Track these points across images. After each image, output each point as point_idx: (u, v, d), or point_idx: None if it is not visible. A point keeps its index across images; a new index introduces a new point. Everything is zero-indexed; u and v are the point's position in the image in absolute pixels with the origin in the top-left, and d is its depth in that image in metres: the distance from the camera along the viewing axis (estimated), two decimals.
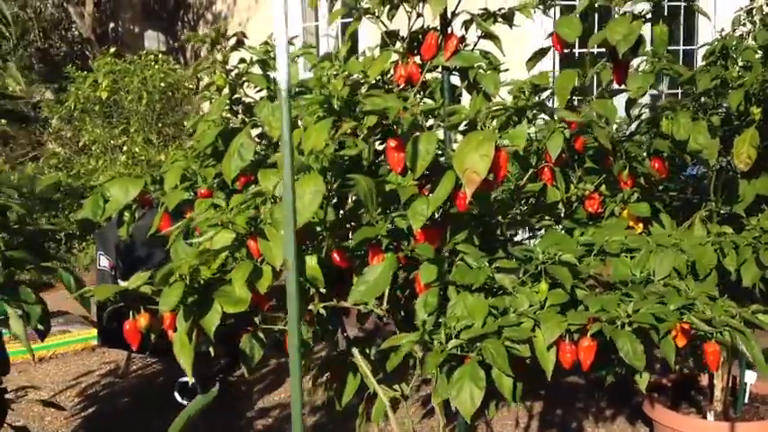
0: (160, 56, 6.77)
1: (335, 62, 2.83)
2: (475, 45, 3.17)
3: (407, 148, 2.22)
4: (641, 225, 3.87)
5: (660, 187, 3.80)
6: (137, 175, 2.45)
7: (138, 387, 6.22)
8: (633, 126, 3.78)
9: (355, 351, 2.98)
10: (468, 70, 2.92)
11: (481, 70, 2.92)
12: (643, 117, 3.72)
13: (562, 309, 2.47)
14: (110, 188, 2.87)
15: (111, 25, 10.17)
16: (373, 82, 2.87)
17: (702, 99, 3.73)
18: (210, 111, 2.72)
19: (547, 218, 3.00)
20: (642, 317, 2.36)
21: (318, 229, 2.43)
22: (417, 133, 2.31)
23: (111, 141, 6.98)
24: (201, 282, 2.38)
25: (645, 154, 3.49)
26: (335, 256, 2.44)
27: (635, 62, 3.26)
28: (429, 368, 2.25)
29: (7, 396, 3.73)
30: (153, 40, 10.90)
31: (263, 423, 5.46)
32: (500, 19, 3.11)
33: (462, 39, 3.14)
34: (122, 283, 2.32)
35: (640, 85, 3.63)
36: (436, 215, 2.61)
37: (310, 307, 2.65)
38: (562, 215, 3.21)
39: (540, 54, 2.99)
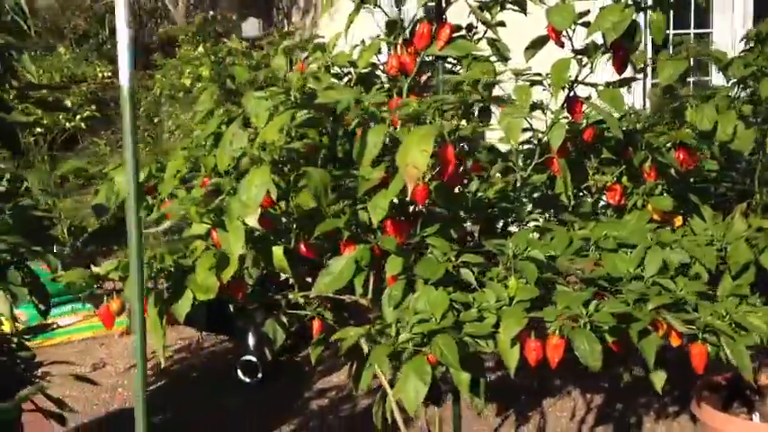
0: (233, 45, 6.91)
1: (325, 54, 2.87)
2: (484, 33, 3.14)
3: (357, 140, 2.22)
4: (680, 219, 3.74)
5: (695, 179, 3.64)
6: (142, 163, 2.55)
7: (208, 363, 6.45)
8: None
9: (362, 341, 3.01)
10: (462, 60, 2.89)
11: (474, 60, 2.88)
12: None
13: (532, 305, 2.42)
14: (115, 176, 3.00)
15: (212, 13, 10.45)
16: (366, 72, 2.89)
17: (739, 87, 3.55)
18: (201, 101, 2.79)
19: (537, 211, 2.92)
20: (602, 316, 2.28)
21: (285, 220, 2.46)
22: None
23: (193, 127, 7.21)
24: (175, 269, 2.46)
25: (669, 145, 3.35)
26: (302, 247, 2.47)
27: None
28: (371, 360, 2.26)
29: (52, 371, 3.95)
30: (251, 27, 11.13)
31: (318, 403, 5.56)
32: (510, 5, 3.06)
33: (470, 27, 3.11)
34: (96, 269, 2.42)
35: (672, 72, 3.49)
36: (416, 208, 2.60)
37: (290, 296, 2.70)
38: (570, 208, 3.13)
39: (540, 43, 2.92)
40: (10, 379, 3.49)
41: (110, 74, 7.59)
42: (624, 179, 3.40)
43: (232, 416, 5.45)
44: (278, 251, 2.48)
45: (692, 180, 3.58)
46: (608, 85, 3.05)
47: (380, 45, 2.87)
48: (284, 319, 3.66)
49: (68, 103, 7.41)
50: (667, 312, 2.45)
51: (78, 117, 7.48)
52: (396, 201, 2.45)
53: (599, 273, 2.64)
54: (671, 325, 2.43)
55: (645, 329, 2.47)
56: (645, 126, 3.40)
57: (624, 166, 3.32)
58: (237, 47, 2.53)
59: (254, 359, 5.87)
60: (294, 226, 2.46)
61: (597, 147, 3.30)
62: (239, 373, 5.94)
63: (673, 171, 3.47)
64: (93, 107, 7.66)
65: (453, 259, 2.43)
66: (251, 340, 5.93)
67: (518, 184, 3.03)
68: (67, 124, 7.35)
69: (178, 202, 2.38)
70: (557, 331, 2.31)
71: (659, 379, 3.01)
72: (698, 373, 2.57)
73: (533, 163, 3.08)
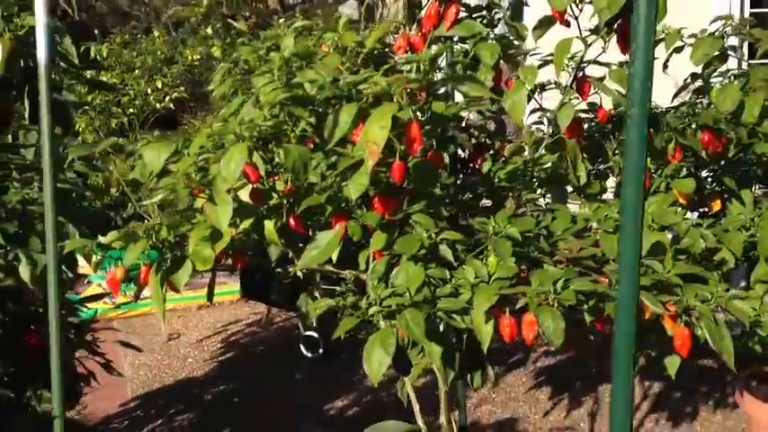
0: (240, 27, 7.03)
1: (335, 34, 2.95)
2: (503, 16, 3.16)
3: (328, 119, 2.31)
4: (718, 202, 3.67)
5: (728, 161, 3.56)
6: (169, 139, 2.71)
7: (276, 338, 6.67)
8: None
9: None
10: (469, 40, 2.92)
11: (482, 40, 2.91)
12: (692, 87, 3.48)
13: (512, 283, 2.46)
14: (144, 152, 3.17)
15: None
16: (374, 52, 2.96)
17: None
18: (214, 80, 2.93)
19: (537, 192, 2.93)
20: (567, 294, 2.30)
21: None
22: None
23: None
24: (174, 240, 2.61)
25: (694, 126, 3.29)
26: (291, 221, 2.58)
27: None
28: (338, 332, 2.35)
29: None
30: (349, 8, 11.26)
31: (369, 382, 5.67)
32: None
33: (489, 6, 3.14)
34: None
35: (706, 51, 3.42)
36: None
37: (290, 269, 2.81)
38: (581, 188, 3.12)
39: (547, 23, 2.91)
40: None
41: (198, 56, 7.89)
42: (648, 161, 3.36)
43: (292, 388, 5.64)
44: (269, 225, 2.59)
45: (722, 162, 3.51)
46: (621, 64, 3.02)
47: (391, 26, 2.93)
48: (317, 294, 3.80)
49: (159, 84, 7.78)
50: (646, 293, 2.44)
51: (168, 98, 7.83)
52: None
53: (587, 253, 2.64)
54: (646, 306, 2.42)
55: None
56: (668, 107, 3.34)
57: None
58: (243, 28, 2.64)
59: (315, 335, 6.04)
60: (285, 201, 2.56)
61: (615, 127, 3.27)
62: (302, 347, 6.13)
63: (704, 153, 3.41)
64: (182, 89, 7.99)
65: (434, 236, 2.48)
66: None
67: (529, 165, 3.05)
68: (158, 105, 7.70)
69: (171, 177, 2.53)
70: (532, 308, 2.34)
71: (672, 366, 3.00)
72: (683, 357, 2.55)
73: (544, 143, 3.09)
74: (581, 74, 2.94)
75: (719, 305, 2.48)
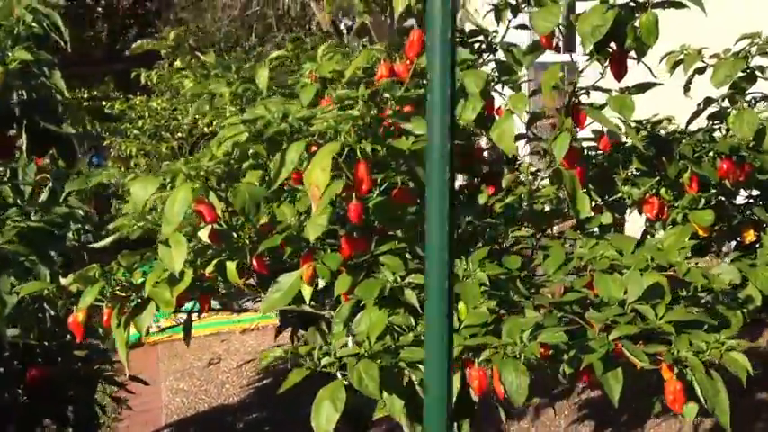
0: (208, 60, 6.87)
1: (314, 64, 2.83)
2: (503, 36, 3.00)
3: (275, 157, 2.17)
4: (751, 233, 3.42)
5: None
6: (156, 174, 2.64)
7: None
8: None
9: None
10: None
11: (469, 68, 2.75)
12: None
13: (484, 330, 2.28)
14: (132, 186, 3.10)
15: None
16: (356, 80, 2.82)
17: None
18: (189, 113, 2.83)
19: (525, 229, 2.72)
20: (532, 347, 2.10)
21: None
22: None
23: None
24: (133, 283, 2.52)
25: (711, 154, 3.05)
26: (254, 262, 2.45)
27: None
28: (284, 385, 2.20)
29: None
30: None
31: None
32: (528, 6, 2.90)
33: (480, 32, 2.98)
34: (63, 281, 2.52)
35: (728, 73, 3.17)
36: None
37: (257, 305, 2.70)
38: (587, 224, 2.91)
39: (536, 48, 2.73)
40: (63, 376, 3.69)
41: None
42: (663, 191, 3.13)
43: None
44: (231, 266, 2.47)
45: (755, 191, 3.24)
46: (622, 91, 2.81)
47: (371, 54, 2.78)
48: (324, 328, 3.66)
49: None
50: (630, 342, 2.23)
51: (215, 123, 7.80)
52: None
53: (572, 297, 2.44)
54: (632, 357, 2.20)
55: (612, 361, 2.26)
56: (680, 134, 3.10)
57: (658, 178, 3.05)
58: (212, 61, 2.55)
59: None
60: (247, 241, 2.44)
61: (624, 157, 3.05)
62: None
63: (728, 183, 3.16)
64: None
65: (399, 279, 2.32)
66: None
67: (523, 197, 2.86)
68: (206, 129, 7.71)
69: (123, 218, 2.44)
70: (496, 361, 2.15)
71: (690, 412, 2.77)
72: (676, 412, 2.32)
73: (543, 174, 2.89)
74: (576, 101, 2.73)
75: (714, 358, 2.24)
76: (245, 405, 5.83)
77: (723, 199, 3.18)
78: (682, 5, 2.46)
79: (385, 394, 2.22)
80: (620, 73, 2.60)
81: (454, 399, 2.23)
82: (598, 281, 2.57)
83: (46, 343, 3.68)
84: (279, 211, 2.40)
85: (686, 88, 3.32)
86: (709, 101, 3.11)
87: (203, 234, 2.41)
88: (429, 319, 1.35)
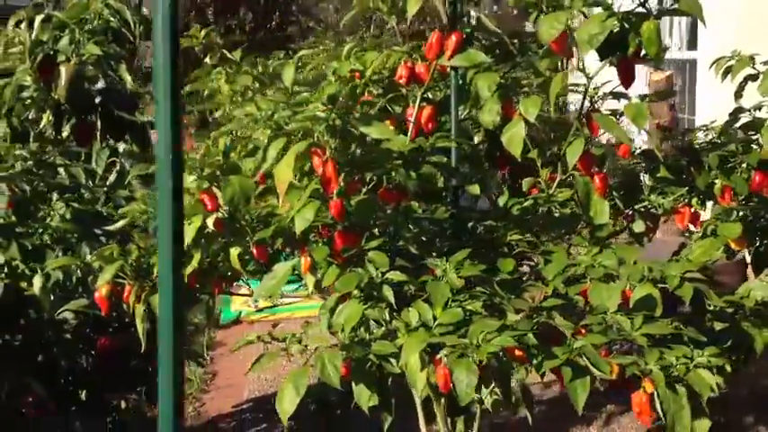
0: None
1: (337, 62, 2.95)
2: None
3: (258, 153, 2.31)
4: None
5: None
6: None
7: None
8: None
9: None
10: (469, 70, 2.81)
11: (485, 70, 2.80)
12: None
13: (457, 328, 2.34)
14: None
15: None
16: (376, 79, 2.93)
17: None
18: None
19: (528, 235, 2.72)
20: (486, 348, 2.15)
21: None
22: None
23: None
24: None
25: (745, 165, 2.96)
26: (254, 250, 2.60)
27: None
28: (254, 368, 2.33)
29: None
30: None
31: None
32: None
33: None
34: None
35: None
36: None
37: None
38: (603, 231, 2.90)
39: (550, 54, 2.73)
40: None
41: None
42: (694, 201, 3.07)
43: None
44: (233, 252, 2.63)
45: None
46: (642, 98, 2.78)
47: (390, 55, 2.87)
48: None
49: None
50: (592, 351, 2.23)
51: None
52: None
53: (551, 303, 2.45)
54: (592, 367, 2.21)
55: (579, 371, 2.27)
56: (714, 144, 3.02)
57: (687, 188, 3.00)
58: (236, 58, 2.68)
59: None
60: (249, 230, 2.59)
61: (656, 165, 3.02)
62: None
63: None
64: None
65: (380, 275, 2.41)
66: None
67: (540, 201, 2.88)
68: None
69: (132, 204, 2.64)
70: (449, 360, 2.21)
71: (702, 428, 2.74)
72: (644, 425, 2.30)
73: (558, 179, 2.90)
74: (588, 107, 2.73)
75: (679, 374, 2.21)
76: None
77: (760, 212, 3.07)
78: (684, 14, 2.42)
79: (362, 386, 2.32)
80: (627, 80, 2.58)
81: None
82: (592, 289, 2.57)
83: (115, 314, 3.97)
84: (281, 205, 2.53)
85: (737, 95, 3.22)
86: (739, 110, 3.02)
87: (210, 221, 2.57)
88: (161, 322, 1.41)
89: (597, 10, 2.51)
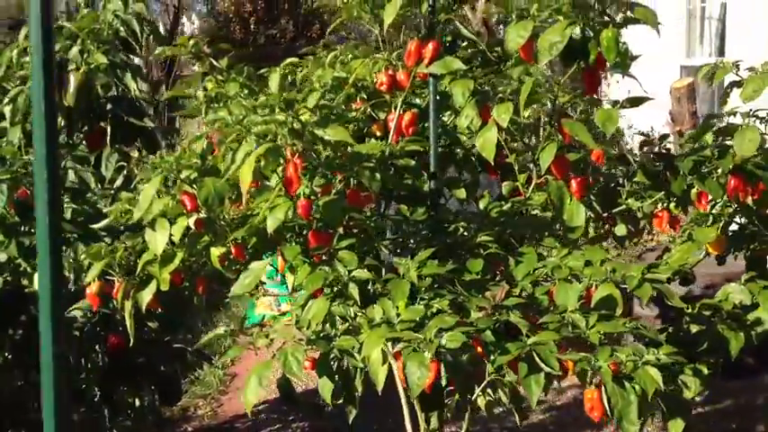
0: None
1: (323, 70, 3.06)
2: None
3: (228, 155, 2.43)
4: None
5: None
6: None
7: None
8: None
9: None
10: (445, 77, 2.91)
11: (462, 77, 2.89)
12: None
13: (419, 324, 2.43)
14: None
15: None
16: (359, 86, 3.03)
17: None
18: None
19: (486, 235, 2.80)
20: (438, 343, 2.24)
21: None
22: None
23: None
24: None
25: (720, 171, 3.00)
26: (234, 250, 2.72)
27: None
28: (223, 357, 2.45)
29: None
30: None
31: None
32: None
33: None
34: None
35: (755, 88, 3.11)
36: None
37: None
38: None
39: (522, 62, 2.81)
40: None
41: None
42: (672, 206, 3.12)
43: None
44: (214, 251, 2.75)
45: None
46: (614, 104, 2.85)
47: (370, 62, 2.98)
48: None
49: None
50: (543, 348, 2.30)
51: None
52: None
53: (512, 301, 2.53)
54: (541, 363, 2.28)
55: (533, 368, 2.35)
56: (689, 150, 3.07)
57: (663, 192, 3.05)
58: (223, 66, 2.78)
59: None
60: (228, 230, 2.71)
61: (631, 170, 3.08)
62: None
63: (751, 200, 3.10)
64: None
65: (347, 274, 2.52)
66: None
67: (508, 206, 2.96)
68: None
69: (117, 204, 2.78)
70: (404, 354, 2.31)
71: (676, 429, 2.81)
72: (595, 422, 2.37)
73: (534, 183, 2.98)
74: (560, 113, 2.81)
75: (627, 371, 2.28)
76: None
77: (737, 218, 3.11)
78: (638, 22, 2.49)
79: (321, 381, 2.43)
80: (591, 86, 2.65)
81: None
82: (558, 289, 2.65)
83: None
84: (252, 205, 2.65)
85: (722, 102, 3.27)
86: (711, 116, 3.06)
87: (191, 221, 2.70)
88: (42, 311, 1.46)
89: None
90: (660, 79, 7.09)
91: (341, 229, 2.68)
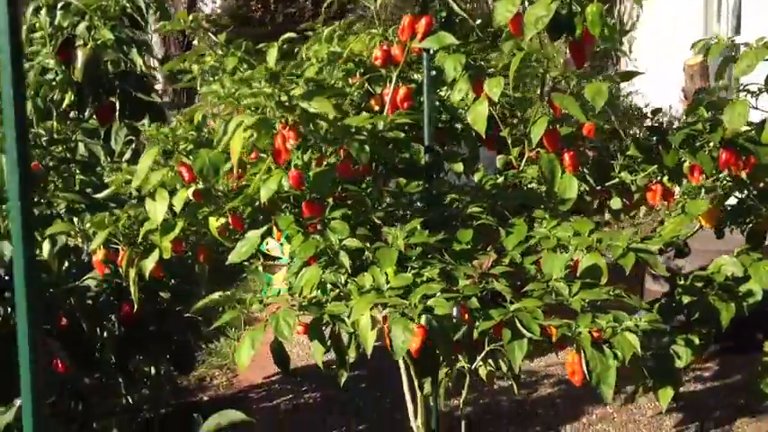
0: None
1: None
2: None
3: (220, 127, 2.51)
4: None
5: None
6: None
7: None
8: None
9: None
10: (439, 52, 2.96)
11: (455, 52, 2.94)
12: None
13: (407, 291, 2.50)
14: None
15: None
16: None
17: None
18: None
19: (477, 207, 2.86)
20: (421, 308, 2.31)
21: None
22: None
23: None
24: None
25: (712, 144, 3.04)
26: (231, 220, 2.81)
27: None
28: (218, 322, 2.54)
29: None
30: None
31: None
32: None
33: None
34: None
35: (749, 63, 3.14)
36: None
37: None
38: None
39: (511, 35, 2.86)
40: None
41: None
42: (665, 179, 3.16)
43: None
44: (212, 221, 2.84)
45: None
46: (605, 79, 2.90)
47: (365, 38, 3.04)
48: None
49: None
50: (524, 314, 2.37)
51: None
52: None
53: (500, 269, 2.60)
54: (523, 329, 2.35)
55: (516, 333, 2.42)
56: (681, 125, 3.10)
57: (656, 166, 3.10)
58: (221, 40, 2.85)
59: None
60: (225, 200, 2.80)
61: (624, 144, 3.12)
62: None
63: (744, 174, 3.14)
64: None
65: (338, 242, 2.59)
66: None
67: (502, 179, 3.02)
68: None
69: (117, 174, 2.88)
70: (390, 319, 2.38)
71: (665, 397, 2.88)
72: (576, 386, 2.44)
73: (526, 156, 3.04)
74: (547, 88, 2.86)
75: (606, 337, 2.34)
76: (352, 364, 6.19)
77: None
78: None
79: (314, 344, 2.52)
80: (579, 60, 2.70)
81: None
82: (545, 259, 2.71)
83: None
84: (247, 177, 2.73)
85: (718, 76, 3.30)
86: (701, 90, 3.09)
87: (190, 192, 2.79)
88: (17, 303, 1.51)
89: None
90: (677, 57, 7.06)
91: (336, 201, 2.75)
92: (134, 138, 4.05)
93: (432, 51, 3.00)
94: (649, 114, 3.21)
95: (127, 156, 4.00)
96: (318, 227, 2.71)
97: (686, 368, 3.00)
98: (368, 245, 2.59)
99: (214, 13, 14.47)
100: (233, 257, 2.78)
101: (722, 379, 5.82)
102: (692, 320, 3.08)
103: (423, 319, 2.34)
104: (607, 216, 3.41)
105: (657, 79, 7.33)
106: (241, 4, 14.90)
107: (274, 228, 2.79)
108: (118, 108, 4.00)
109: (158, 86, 5.28)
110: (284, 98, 2.39)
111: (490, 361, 3.26)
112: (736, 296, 3.04)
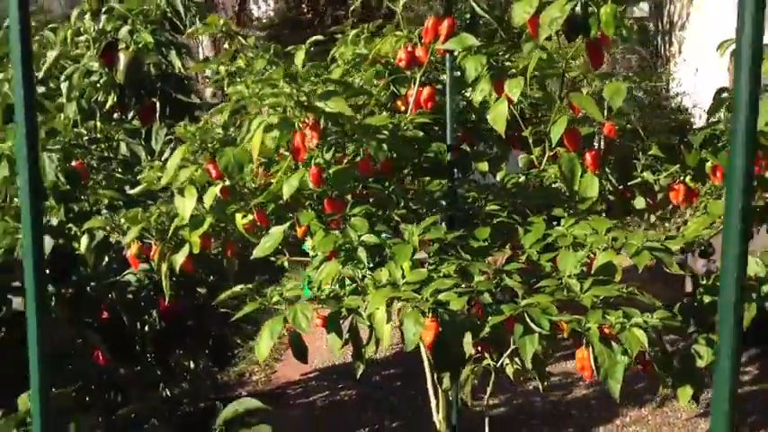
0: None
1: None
2: None
3: (244, 126, 2.61)
4: None
5: None
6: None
7: None
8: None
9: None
10: (461, 53, 3.02)
11: (476, 53, 3.00)
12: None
13: (422, 286, 2.57)
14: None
15: None
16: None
17: None
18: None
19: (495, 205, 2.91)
20: (430, 302, 2.38)
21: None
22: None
23: None
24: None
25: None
26: (257, 216, 2.91)
27: None
28: (239, 314, 2.63)
29: None
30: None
31: None
32: None
33: None
34: None
35: None
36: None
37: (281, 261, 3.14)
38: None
39: (531, 36, 2.91)
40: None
41: None
42: (687, 179, 3.18)
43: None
44: (238, 217, 2.94)
45: None
46: (626, 78, 2.93)
47: (392, 40, 3.11)
48: None
49: None
50: (534, 309, 2.42)
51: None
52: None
53: (514, 266, 2.65)
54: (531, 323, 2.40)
55: (527, 329, 2.46)
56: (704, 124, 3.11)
57: (678, 165, 3.12)
58: (250, 44, 2.94)
59: None
60: (251, 197, 2.90)
61: (646, 143, 3.15)
62: None
63: None
64: None
65: (357, 238, 2.67)
66: None
67: (524, 178, 3.07)
68: None
69: (149, 172, 2.99)
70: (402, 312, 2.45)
71: (684, 396, 2.91)
72: (586, 380, 2.47)
73: (547, 156, 3.08)
74: (568, 88, 2.91)
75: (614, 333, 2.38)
76: (386, 361, 6.28)
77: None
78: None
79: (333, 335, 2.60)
80: (596, 60, 2.73)
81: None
82: (561, 256, 2.76)
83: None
84: (272, 173, 2.83)
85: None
86: (722, 90, 3.10)
87: (217, 189, 2.89)
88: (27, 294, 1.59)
89: None
90: (725, 57, 6.99)
91: (358, 198, 2.84)
92: (174, 137, 4.18)
93: (455, 53, 3.07)
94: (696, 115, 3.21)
95: (166, 155, 4.12)
96: (340, 223, 2.80)
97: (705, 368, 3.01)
98: (387, 241, 2.66)
99: (266, 17, 14.65)
100: (257, 252, 2.87)
101: (761, 383, 5.77)
102: (714, 321, 3.08)
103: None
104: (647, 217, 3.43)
105: (705, 80, 7.26)
106: (292, 6, 15.06)
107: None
108: (158, 109, 4.13)
109: (208, 90, 5.41)
110: (303, 98, 2.47)
111: (516, 359, 3.30)
112: (758, 296, 3.04)
